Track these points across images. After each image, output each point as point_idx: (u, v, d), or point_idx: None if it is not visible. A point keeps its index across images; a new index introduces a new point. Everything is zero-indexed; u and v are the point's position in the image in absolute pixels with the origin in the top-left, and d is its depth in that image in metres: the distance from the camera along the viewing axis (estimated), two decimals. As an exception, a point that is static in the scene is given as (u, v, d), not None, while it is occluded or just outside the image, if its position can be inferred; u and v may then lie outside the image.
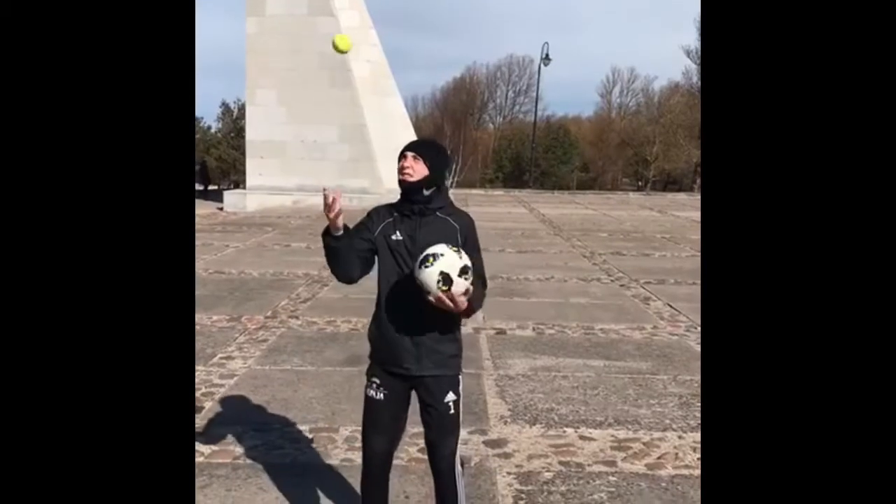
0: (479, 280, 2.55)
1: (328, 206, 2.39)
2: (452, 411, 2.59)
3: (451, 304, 2.40)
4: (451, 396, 2.59)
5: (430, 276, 2.36)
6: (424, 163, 2.51)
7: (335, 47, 2.19)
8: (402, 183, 2.53)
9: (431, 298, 2.39)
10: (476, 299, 2.49)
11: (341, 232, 2.47)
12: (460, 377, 2.64)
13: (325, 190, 2.41)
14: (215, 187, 28.00)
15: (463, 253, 2.42)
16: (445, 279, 2.35)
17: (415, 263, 2.42)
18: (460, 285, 2.38)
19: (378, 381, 2.61)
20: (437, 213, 2.57)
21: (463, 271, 2.38)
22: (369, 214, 2.64)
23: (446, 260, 2.36)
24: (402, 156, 2.54)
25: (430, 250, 2.39)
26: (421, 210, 2.54)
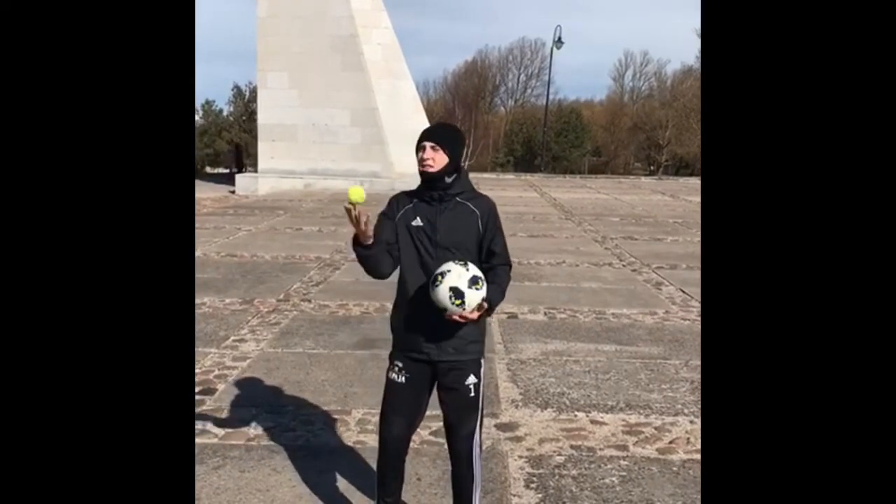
0: (503, 264, 2.61)
1: (355, 220, 2.38)
2: (472, 394, 2.61)
3: (469, 318, 2.44)
4: (471, 379, 2.60)
5: (442, 294, 2.39)
6: (444, 151, 2.52)
7: (350, 197, 2.37)
8: (423, 174, 2.54)
9: (449, 316, 2.43)
10: (495, 295, 2.52)
11: (371, 240, 2.48)
12: (482, 361, 2.65)
13: (347, 205, 2.37)
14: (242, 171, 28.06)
15: (471, 265, 2.44)
16: (457, 293, 2.38)
17: (429, 283, 2.47)
18: (473, 296, 2.40)
19: (400, 365, 2.63)
20: (458, 199, 2.57)
21: (473, 282, 2.40)
22: (390, 202, 2.65)
23: (453, 275, 2.40)
24: (421, 147, 2.53)
25: (437, 270, 2.44)
26: (441, 196, 2.55)
